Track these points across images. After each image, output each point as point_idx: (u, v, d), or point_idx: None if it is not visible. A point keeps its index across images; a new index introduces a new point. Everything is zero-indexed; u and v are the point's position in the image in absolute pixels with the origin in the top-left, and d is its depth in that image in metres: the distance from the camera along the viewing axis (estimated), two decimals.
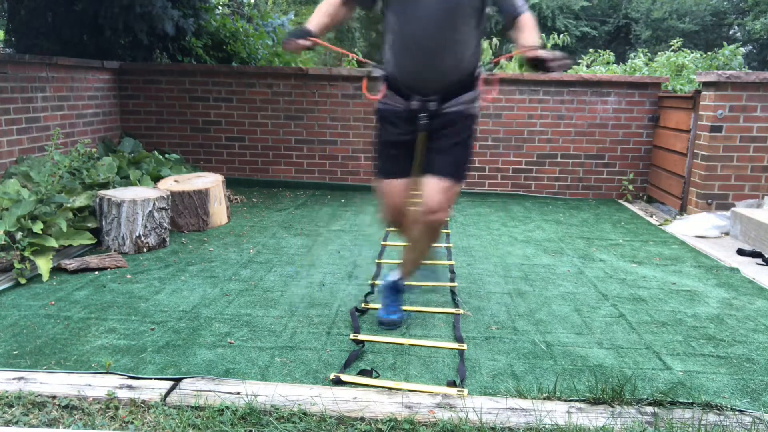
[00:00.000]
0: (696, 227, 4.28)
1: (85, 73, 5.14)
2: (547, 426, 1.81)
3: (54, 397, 1.89)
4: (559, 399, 1.97)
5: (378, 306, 2.76)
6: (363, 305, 2.76)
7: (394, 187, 2.51)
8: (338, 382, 2.04)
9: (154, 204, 3.57)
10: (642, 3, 19.99)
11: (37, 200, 3.35)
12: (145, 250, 3.56)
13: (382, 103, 2.46)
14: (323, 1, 2.43)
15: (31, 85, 4.41)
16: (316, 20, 2.37)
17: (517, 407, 1.90)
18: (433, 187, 2.39)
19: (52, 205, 3.43)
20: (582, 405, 1.93)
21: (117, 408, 1.86)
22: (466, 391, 2.00)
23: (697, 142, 4.64)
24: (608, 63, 8.20)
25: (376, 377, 2.09)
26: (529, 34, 2.29)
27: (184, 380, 2.03)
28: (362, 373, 2.08)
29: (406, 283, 2.70)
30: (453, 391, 1.99)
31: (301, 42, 2.27)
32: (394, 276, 2.66)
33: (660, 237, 4.21)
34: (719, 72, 4.37)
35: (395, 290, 2.64)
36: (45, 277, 2.97)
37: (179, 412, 1.83)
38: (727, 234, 4.23)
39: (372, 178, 2.31)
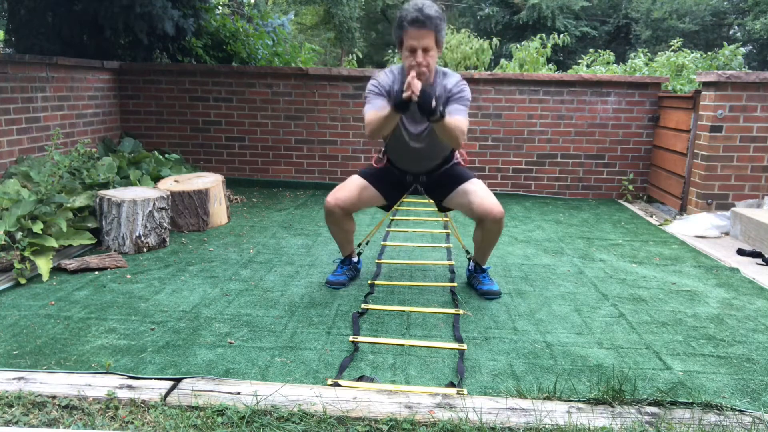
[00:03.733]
0: (696, 227, 4.28)
1: (85, 73, 5.14)
2: (547, 426, 1.81)
3: (54, 397, 1.89)
4: (559, 399, 1.97)
5: (378, 307, 2.76)
6: (363, 306, 2.77)
7: (365, 190, 2.91)
8: (336, 387, 2.04)
9: (154, 204, 3.57)
10: (642, 3, 19.99)
11: (37, 200, 3.35)
12: (145, 250, 3.56)
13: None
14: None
15: (31, 85, 4.41)
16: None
17: (517, 407, 1.90)
18: (473, 197, 2.82)
19: (52, 205, 3.43)
20: (582, 405, 1.93)
21: (117, 408, 1.86)
22: (466, 390, 2.01)
23: (697, 142, 4.64)
24: (608, 63, 8.20)
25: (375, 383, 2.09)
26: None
27: (184, 380, 2.03)
28: (362, 379, 2.08)
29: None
30: (453, 391, 1.99)
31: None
32: (482, 265, 3.07)
33: (660, 237, 4.21)
34: (719, 72, 4.37)
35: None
36: (45, 277, 2.97)
37: (179, 412, 1.83)
38: (727, 234, 4.23)
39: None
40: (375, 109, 2.68)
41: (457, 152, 3.01)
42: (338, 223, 2.94)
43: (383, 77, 2.81)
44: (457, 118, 2.64)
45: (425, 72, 2.61)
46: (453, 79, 2.79)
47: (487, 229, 2.84)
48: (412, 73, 2.47)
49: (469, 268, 3.13)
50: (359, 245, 3.23)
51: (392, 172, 3.01)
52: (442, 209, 3.13)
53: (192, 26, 6.12)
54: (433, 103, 2.44)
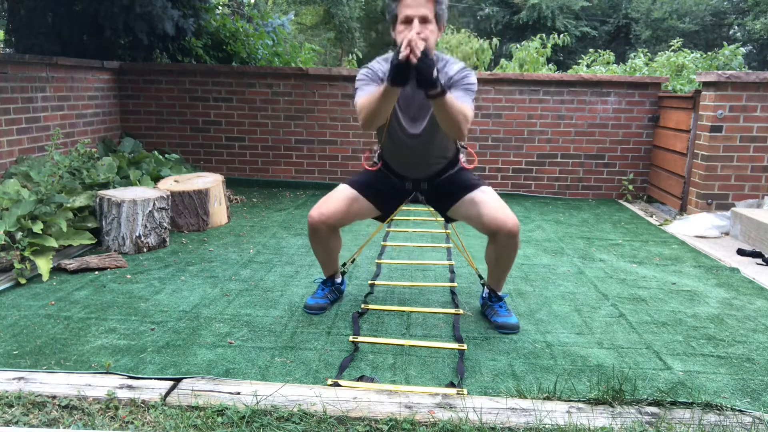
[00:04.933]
0: (696, 227, 4.28)
1: (85, 73, 5.14)
2: (547, 426, 1.81)
3: (54, 397, 1.89)
4: (559, 399, 1.97)
5: (378, 307, 2.76)
6: (363, 306, 2.77)
7: (353, 201, 2.57)
8: (336, 387, 2.04)
9: (154, 204, 3.57)
10: (642, 3, 19.99)
11: (37, 200, 3.35)
12: (145, 250, 3.56)
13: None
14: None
15: (31, 85, 4.41)
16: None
17: (517, 407, 1.90)
18: (484, 208, 2.46)
19: (52, 205, 3.43)
20: (582, 405, 1.93)
21: (117, 408, 1.86)
22: (466, 391, 2.00)
23: (697, 142, 4.64)
24: (608, 63, 8.20)
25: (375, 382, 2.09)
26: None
27: (184, 380, 2.03)
28: (362, 379, 2.07)
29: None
30: (453, 391, 1.99)
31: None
32: (499, 293, 2.69)
33: (660, 237, 4.21)
34: (719, 72, 4.37)
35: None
36: (45, 277, 2.97)
37: (179, 412, 1.83)
38: (727, 234, 4.23)
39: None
40: (367, 95, 2.30)
41: (461, 155, 2.63)
42: (322, 241, 2.60)
43: (376, 65, 2.45)
44: (462, 102, 2.27)
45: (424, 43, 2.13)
46: (455, 66, 2.42)
47: (501, 245, 2.46)
48: (411, 33, 2.08)
49: (483, 295, 2.73)
50: (344, 264, 2.91)
51: (387, 178, 2.64)
52: (448, 220, 2.74)
53: (192, 26, 6.12)
54: (434, 72, 2.05)
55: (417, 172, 2.60)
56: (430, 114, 2.41)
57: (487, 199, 2.47)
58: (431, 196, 2.64)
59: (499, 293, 2.67)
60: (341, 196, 2.57)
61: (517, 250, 2.52)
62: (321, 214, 2.51)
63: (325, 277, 2.80)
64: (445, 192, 2.59)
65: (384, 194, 2.63)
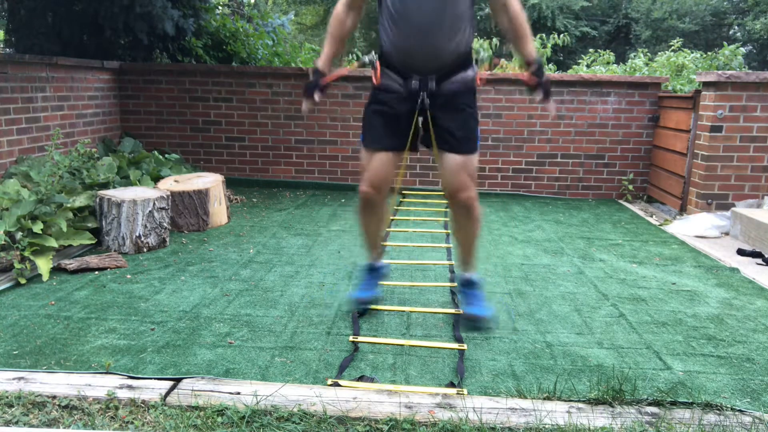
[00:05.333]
0: (696, 227, 4.28)
1: (85, 73, 5.14)
2: (547, 426, 1.81)
3: (54, 397, 1.89)
4: (559, 399, 1.97)
5: (378, 307, 2.76)
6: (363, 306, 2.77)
7: (383, 158, 2.43)
8: (336, 387, 2.04)
9: (154, 204, 3.57)
10: (642, 3, 19.98)
11: (37, 200, 3.35)
12: (145, 250, 3.56)
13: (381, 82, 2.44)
14: (331, 20, 2.48)
15: (31, 85, 4.41)
16: (325, 53, 2.47)
17: (517, 407, 1.90)
18: (450, 168, 2.39)
19: (52, 205, 3.43)
20: (582, 405, 1.93)
21: (117, 408, 1.86)
22: (466, 391, 2.00)
23: (697, 142, 4.63)
24: (608, 63, 8.19)
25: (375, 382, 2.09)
26: (527, 43, 2.38)
27: (184, 380, 2.03)
28: (362, 379, 2.08)
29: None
30: (453, 391, 1.99)
31: (316, 97, 2.40)
32: (468, 276, 2.63)
33: (660, 237, 4.21)
34: (719, 72, 4.37)
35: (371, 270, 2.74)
36: (45, 277, 2.97)
37: (179, 412, 1.83)
38: (727, 234, 4.23)
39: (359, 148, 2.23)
40: None
41: (475, 65, 2.39)
42: (377, 211, 2.53)
43: None
44: None
45: None
46: None
47: (455, 212, 2.47)
48: None
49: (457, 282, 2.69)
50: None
51: (391, 92, 2.38)
52: (422, 142, 2.48)
53: (192, 26, 6.12)
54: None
55: (423, 52, 2.28)
56: None
57: (462, 160, 2.38)
58: (435, 102, 2.34)
59: (469, 276, 2.59)
60: (373, 163, 2.44)
61: (474, 225, 2.47)
62: (367, 184, 2.45)
63: (370, 262, 2.72)
64: (447, 106, 2.36)
65: (395, 120, 2.40)
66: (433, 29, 2.24)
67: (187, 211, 4.02)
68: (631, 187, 5.52)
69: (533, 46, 2.38)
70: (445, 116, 2.37)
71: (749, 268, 3.48)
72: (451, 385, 2.04)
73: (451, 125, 2.37)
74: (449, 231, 2.55)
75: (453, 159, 2.39)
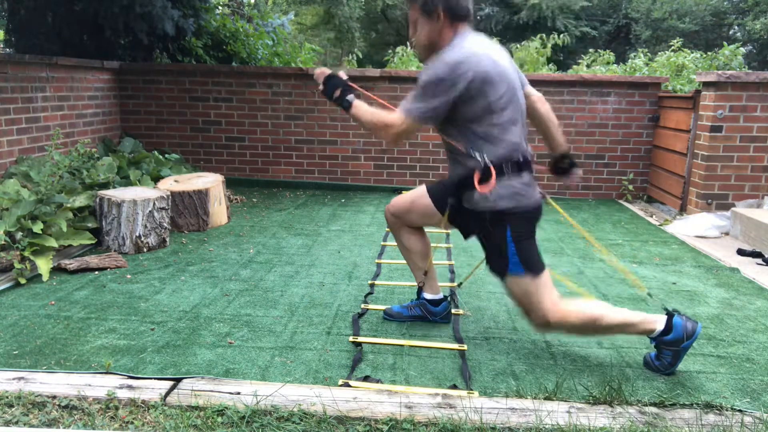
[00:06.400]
0: (696, 227, 4.28)
1: (85, 73, 5.14)
2: (547, 426, 1.81)
3: (54, 397, 1.89)
4: (559, 399, 1.97)
5: (378, 307, 2.77)
6: (363, 306, 2.77)
7: (420, 193, 2.42)
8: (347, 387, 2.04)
9: (154, 204, 3.57)
10: (642, 3, 19.98)
11: (37, 200, 3.35)
12: (145, 250, 3.56)
13: None
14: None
15: (31, 85, 4.41)
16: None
17: (517, 407, 1.90)
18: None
19: (52, 205, 3.43)
20: (582, 405, 1.93)
21: (117, 408, 1.86)
22: (476, 393, 2.00)
23: (697, 142, 4.63)
24: (608, 63, 8.19)
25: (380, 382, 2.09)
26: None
27: (184, 380, 2.03)
28: (367, 379, 2.08)
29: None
30: (463, 393, 1.99)
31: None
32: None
33: (660, 237, 4.21)
34: (719, 72, 4.37)
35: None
36: (45, 277, 2.97)
37: (179, 412, 1.83)
38: (727, 234, 4.23)
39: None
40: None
41: (476, 173, 2.14)
42: (395, 234, 2.52)
43: None
44: (374, 109, 2.20)
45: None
46: (437, 59, 2.12)
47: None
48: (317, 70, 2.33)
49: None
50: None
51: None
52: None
53: (192, 26, 6.12)
54: (335, 92, 2.23)
55: (451, 171, 2.34)
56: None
57: (505, 282, 2.21)
58: (455, 210, 2.31)
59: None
60: (413, 191, 2.46)
61: (581, 332, 2.24)
62: (390, 204, 2.50)
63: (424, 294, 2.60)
64: (464, 217, 2.31)
65: (444, 191, 2.37)
66: (449, 160, 2.33)
67: (187, 211, 4.02)
68: (631, 187, 5.52)
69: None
70: (462, 219, 2.32)
71: (749, 268, 3.48)
72: (454, 387, 2.04)
73: (486, 249, 2.28)
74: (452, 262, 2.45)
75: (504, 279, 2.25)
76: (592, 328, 2.15)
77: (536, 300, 2.13)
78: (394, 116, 2.14)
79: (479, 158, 2.13)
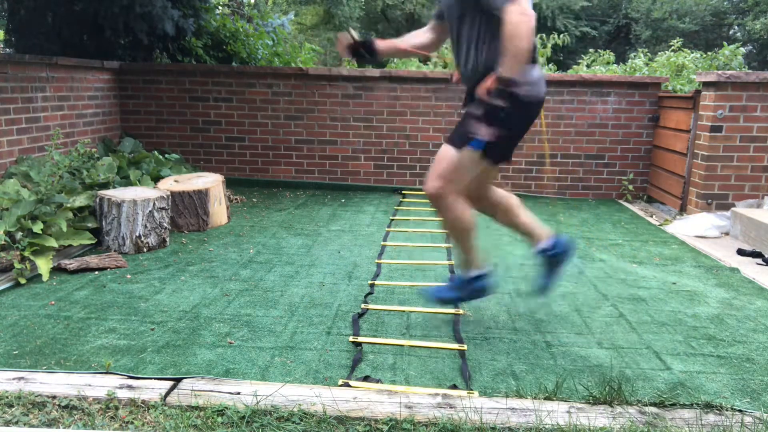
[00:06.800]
0: (696, 227, 4.28)
1: (85, 73, 5.14)
2: (547, 426, 1.81)
3: (54, 397, 1.89)
4: (559, 399, 1.97)
5: (378, 307, 2.77)
6: (363, 306, 2.77)
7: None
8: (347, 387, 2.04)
9: (154, 204, 3.57)
10: (642, 3, 19.98)
11: (37, 200, 3.35)
12: (145, 250, 3.56)
13: None
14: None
15: (31, 85, 4.41)
16: (393, 40, 2.59)
17: (517, 407, 1.90)
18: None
19: (52, 205, 3.43)
20: (582, 405, 1.93)
21: (117, 408, 1.86)
22: (476, 393, 2.00)
23: (697, 142, 4.64)
24: (608, 63, 8.20)
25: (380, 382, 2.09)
26: (502, 58, 2.17)
27: (184, 380, 2.03)
28: (367, 379, 2.08)
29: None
30: (463, 393, 1.99)
31: (346, 54, 2.51)
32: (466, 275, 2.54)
33: (660, 237, 4.21)
34: (719, 72, 4.37)
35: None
36: (45, 277, 2.97)
37: (179, 412, 1.83)
38: (727, 234, 4.23)
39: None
40: None
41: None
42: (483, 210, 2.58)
43: None
44: (511, 33, 2.08)
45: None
46: None
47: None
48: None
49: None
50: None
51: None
52: None
53: (192, 26, 6.12)
54: (363, 53, 2.48)
55: (463, 71, 2.42)
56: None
57: (440, 151, 2.35)
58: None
59: (459, 272, 2.55)
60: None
61: (446, 218, 2.37)
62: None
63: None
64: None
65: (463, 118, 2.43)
66: (462, 51, 2.41)
67: (187, 211, 4.02)
68: (631, 187, 5.52)
69: (510, 66, 2.14)
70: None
71: (749, 268, 3.48)
72: (454, 387, 2.04)
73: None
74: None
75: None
76: (460, 232, 2.38)
77: (457, 177, 2.28)
78: (515, 9, 2.07)
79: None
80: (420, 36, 2.61)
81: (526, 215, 2.62)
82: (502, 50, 2.14)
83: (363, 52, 2.52)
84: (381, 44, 2.55)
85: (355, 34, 2.50)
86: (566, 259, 2.61)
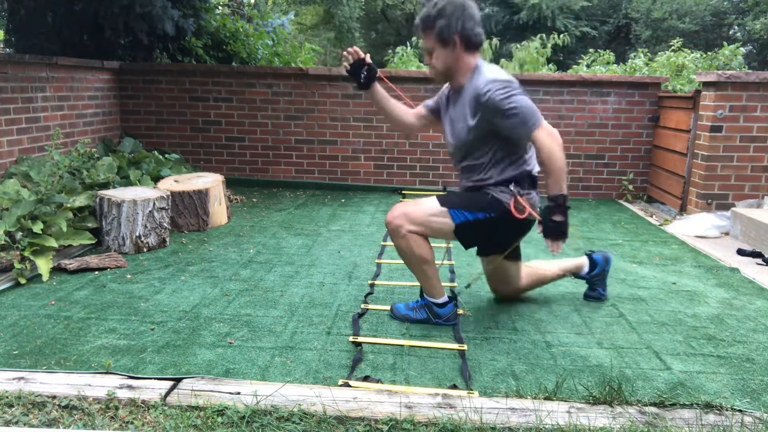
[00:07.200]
0: (696, 227, 4.28)
1: (85, 73, 5.14)
2: (547, 426, 1.81)
3: (54, 397, 1.89)
4: (559, 399, 1.97)
5: (378, 307, 2.77)
6: (363, 306, 2.77)
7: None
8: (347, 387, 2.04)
9: (154, 204, 3.57)
10: (642, 3, 19.98)
11: (37, 200, 3.35)
12: (145, 250, 3.56)
13: None
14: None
15: (31, 85, 4.41)
16: (388, 95, 2.72)
17: (517, 407, 1.90)
18: None
19: (52, 205, 3.43)
20: (582, 405, 1.93)
21: (117, 408, 1.86)
22: (476, 393, 2.00)
23: (697, 142, 4.64)
24: (608, 63, 8.19)
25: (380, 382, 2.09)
26: (551, 180, 2.46)
27: (184, 380, 2.03)
28: (367, 379, 2.08)
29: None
30: (463, 393, 1.99)
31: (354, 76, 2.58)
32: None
33: (660, 237, 4.21)
34: (719, 72, 4.37)
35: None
36: (45, 277, 2.97)
37: (179, 412, 1.83)
38: (727, 234, 4.23)
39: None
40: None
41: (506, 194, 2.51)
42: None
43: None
44: (550, 150, 2.38)
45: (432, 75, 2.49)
46: (481, 80, 2.34)
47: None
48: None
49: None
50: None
51: None
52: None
53: (192, 26, 6.12)
54: (361, 74, 2.50)
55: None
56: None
57: (419, 200, 2.53)
58: None
59: (424, 296, 2.58)
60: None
61: (399, 248, 2.46)
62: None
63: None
64: None
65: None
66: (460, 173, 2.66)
67: (187, 211, 4.02)
68: (631, 187, 5.52)
69: (557, 182, 2.45)
70: None
71: (749, 268, 3.48)
72: (454, 387, 2.04)
73: None
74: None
75: None
76: (415, 263, 2.47)
77: (422, 227, 2.41)
78: (544, 134, 2.36)
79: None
80: (408, 115, 2.74)
81: (554, 265, 2.88)
82: (544, 171, 2.40)
83: (362, 75, 2.54)
84: (379, 84, 2.64)
85: (368, 57, 2.55)
86: (608, 270, 2.91)
